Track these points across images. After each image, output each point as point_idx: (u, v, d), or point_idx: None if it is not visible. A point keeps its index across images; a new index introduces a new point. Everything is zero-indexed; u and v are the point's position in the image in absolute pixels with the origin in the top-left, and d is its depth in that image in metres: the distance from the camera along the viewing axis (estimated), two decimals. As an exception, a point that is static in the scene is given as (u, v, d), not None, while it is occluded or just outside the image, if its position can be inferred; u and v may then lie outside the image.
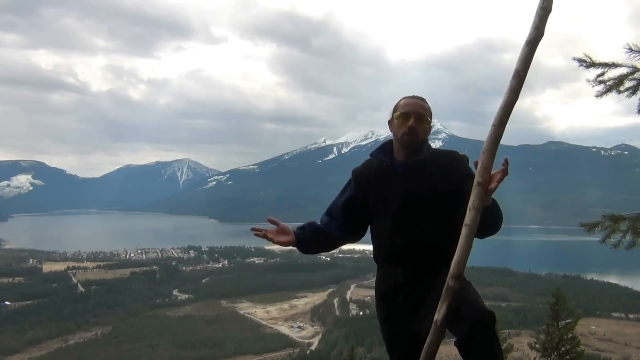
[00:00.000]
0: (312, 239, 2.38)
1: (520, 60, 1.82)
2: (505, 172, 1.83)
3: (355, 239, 2.45)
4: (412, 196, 2.20)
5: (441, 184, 2.18)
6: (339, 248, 2.56)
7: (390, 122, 2.30)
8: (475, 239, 1.94)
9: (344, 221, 2.39)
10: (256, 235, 2.26)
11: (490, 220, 1.98)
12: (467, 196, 2.03)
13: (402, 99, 2.28)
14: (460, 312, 1.92)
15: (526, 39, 1.82)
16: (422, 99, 2.28)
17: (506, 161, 1.84)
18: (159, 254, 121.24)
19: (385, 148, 2.33)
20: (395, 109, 2.27)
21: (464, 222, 1.85)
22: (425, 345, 1.95)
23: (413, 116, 2.19)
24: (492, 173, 1.85)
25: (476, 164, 1.86)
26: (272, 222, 2.31)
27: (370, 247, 2.45)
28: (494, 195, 1.93)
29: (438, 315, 1.88)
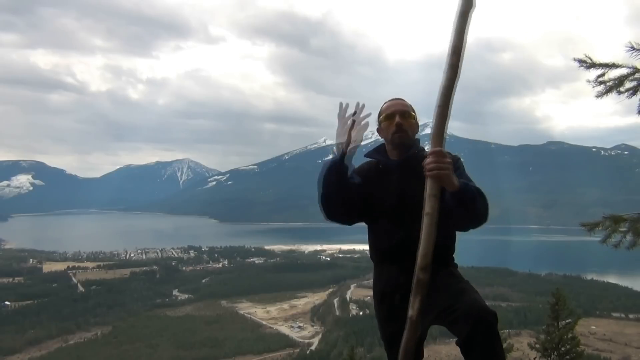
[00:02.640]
0: (345, 177, 2.21)
1: (455, 34, 1.77)
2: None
3: (355, 214, 2.32)
4: (407, 194, 2.22)
5: None
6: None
7: (379, 130, 2.40)
8: (475, 234, 1.93)
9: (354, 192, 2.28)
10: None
11: (468, 207, 1.96)
12: None
13: (384, 104, 2.41)
14: (461, 311, 1.92)
15: (458, 10, 1.77)
16: (402, 99, 2.40)
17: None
18: (159, 254, 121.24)
19: (380, 149, 2.43)
20: (379, 115, 2.38)
21: (425, 211, 1.82)
22: (403, 343, 1.92)
23: (397, 114, 2.30)
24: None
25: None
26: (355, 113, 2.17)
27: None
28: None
29: (412, 311, 1.85)
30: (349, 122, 2.17)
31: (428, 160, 1.85)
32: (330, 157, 2.22)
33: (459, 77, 1.81)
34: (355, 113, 2.16)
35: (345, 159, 2.17)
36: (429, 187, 1.81)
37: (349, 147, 2.16)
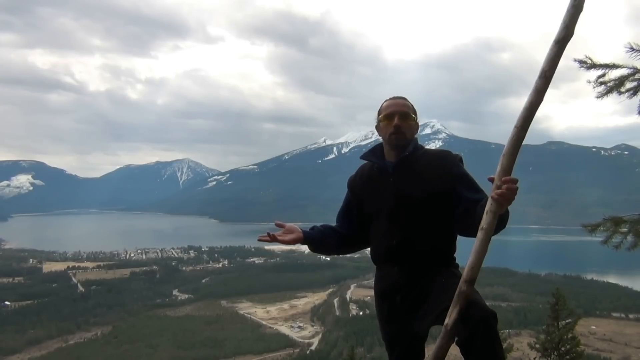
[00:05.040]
0: (321, 235, 2.43)
1: (547, 60, 1.74)
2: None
3: (364, 239, 2.46)
4: (405, 195, 2.22)
5: (433, 183, 2.20)
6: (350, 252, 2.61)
7: (377, 127, 2.36)
8: (473, 239, 1.93)
9: (349, 224, 2.46)
10: (262, 240, 2.28)
11: (501, 225, 1.96)
12: (461, 196, 2.11)
13: (384, 101, 2.36)
14: (462, 311, 1.92)
15: (555, 37, 1.73)
16: (403, 98, 2.35)
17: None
18: (159, 254, 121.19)
19: (376, 151, 2.39)
20: (379, 113, 2.34)
21: (480, 226, 1.81)
22: (435, 349, 1.94)
23: (397, 115, 2.26)
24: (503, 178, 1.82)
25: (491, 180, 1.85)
26: (279, 225, 2.35)
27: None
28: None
29: (449, 320, 1.86)
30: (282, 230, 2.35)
31: (504, 186, 1.80)
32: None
33: (542, 101, 1.79)
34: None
35: (307, 240, 2.38)
36: (489, 204, 1.81)
37: (293, 237, 2.32)
